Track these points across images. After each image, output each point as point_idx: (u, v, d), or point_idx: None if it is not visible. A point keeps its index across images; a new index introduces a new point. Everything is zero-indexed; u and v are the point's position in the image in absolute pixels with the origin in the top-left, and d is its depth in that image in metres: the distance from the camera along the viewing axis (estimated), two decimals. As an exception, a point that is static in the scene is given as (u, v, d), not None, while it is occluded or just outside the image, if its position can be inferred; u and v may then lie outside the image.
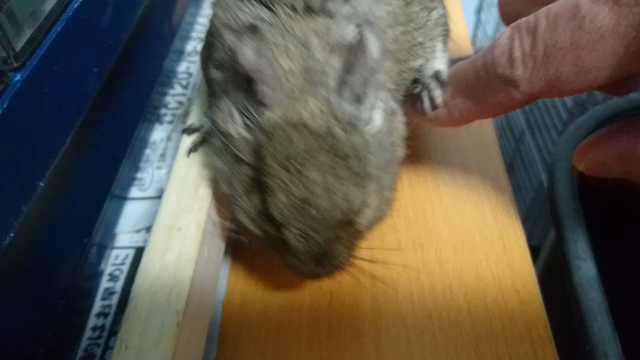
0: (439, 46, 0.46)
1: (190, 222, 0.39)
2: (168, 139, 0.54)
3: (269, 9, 0.35)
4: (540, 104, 0.98)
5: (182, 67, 0.62)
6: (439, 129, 0.55)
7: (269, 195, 0.32)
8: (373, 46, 0.33)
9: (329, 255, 0.34)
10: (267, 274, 0.46)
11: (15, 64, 0.29)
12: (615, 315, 0.43)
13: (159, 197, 0.48)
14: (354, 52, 0.33)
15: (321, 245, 0.33)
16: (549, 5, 0.32)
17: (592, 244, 0.48)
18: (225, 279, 0.45)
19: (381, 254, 0.44)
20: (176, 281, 0.35)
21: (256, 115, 0.33)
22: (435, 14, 0.45)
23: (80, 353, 0.39)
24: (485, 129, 0.57)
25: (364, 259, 0.39)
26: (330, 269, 0.35)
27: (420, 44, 0.43)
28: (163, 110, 0.57)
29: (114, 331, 0.40)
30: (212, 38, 0.40)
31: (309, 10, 0.35)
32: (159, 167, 0.52)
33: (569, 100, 0.91)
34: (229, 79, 0.36)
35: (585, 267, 0.46)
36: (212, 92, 0.42)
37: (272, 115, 0.32)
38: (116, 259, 0.45)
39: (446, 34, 0.47)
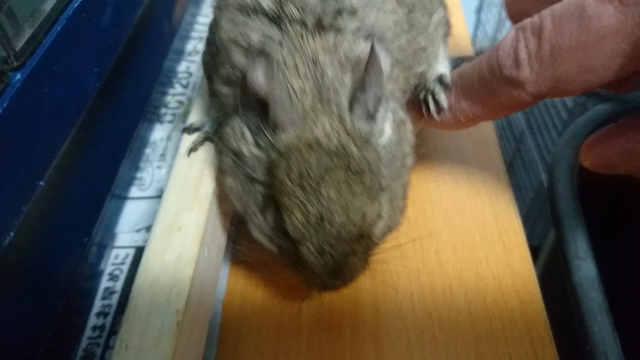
0: (441, 50, 0.46)
1: (191, 221, 0.39)
2: (168, 138, 0.54)
3: (278, 26, 0.35)
4: (540, 104, 0.98)
5: (182, 66, 0.62)
6: (440, 130, 0.55)
7: (286, 214, 0.32)
8: (383, 62, 0.33)
9: (344, 268, 0.34)
10: (267, 273, 0.46)
11: (15, 64, 0.29)
12: (615, 315, 0.43)
13: (159, 196, 0.48)
14: (365, 69, 0.33)
15: (337, 259, 0.33)
16: (554, 6, 0.32)
17: (592, 244, 0.48)
18: (225, 278, 0.45)
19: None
20: (176, 281, 0.35)
21: (270, 136, 0.33)
22: (435, 18, 0.45)
23: (80, 352, 0.39)
24: (485, 129, 0.57)
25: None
26: (345, 281, 0.35)
27: (423, 48, 0.43)
28: (163, 110, 0.57)
29: (114, 331, 0.40)
30: (215, 48, 0.40)
31: (319, 26, 0.35)
32: (159, 167, 0.52)
33: (569, 100, 0.91)
34: (238, 97, 0.36)
35: (585, 267, 0.46)
36: (216, 105, 0.41)
37: (287, 136, 0.32)
38: (116, 259, 0.45)
39: (447, 34, 0.47)
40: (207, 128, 0.44)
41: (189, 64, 0.62)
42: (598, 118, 0.58)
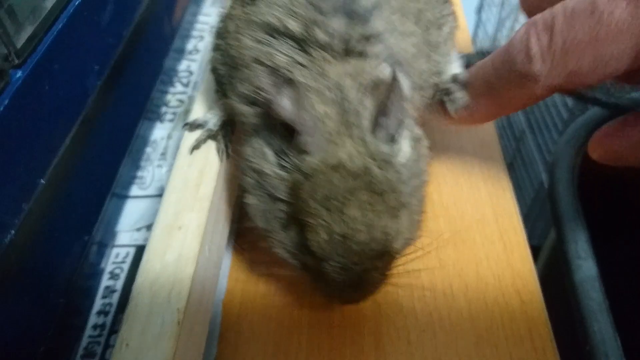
0: (453, 52, 0.46)
1: (191, 221, 0.39)
2: (169, 137, 0.54)
3: (304, 50, 0.35)
4: (540, 104, 0.98)
5: (183, 65, 0.62)
6: (440, 128, 0.55)
7: (309, 232, 0.33)
8: (404, 86, 0.34)
9: (366, 283, 0.35)
10: (267, 273, 0.45)
11: (16, 61, 0.29)
12: (615, 316, 0.43)
13: (159, 195, 0.48)
14: (386, 94, 0.33)
15: (359, 274, 0.34)
16: (566, 1, 0.32)
17: (592, 244, 0.48)
18: (225, 278, 0.45)
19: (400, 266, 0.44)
20: (177, 280, 0.35)
21: (295, 160, 0.34)
22: (446, 29, 0.45)
23: (80, 351, 0.39)
24: (486, 128, 0.57)
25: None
26: (366, 295, 0.36)
27: (437, 61, 0.43)
28: (164, 109, 0.57)
29: (114, 329, 0.40)
30: (230, 60, 0.40)
31: (347, 53, 0.35)
32: (159, 166, 0.52)
33: (569, 100, 0.91)
34: (261, 118, 0.36)
35: (585, 267, 0.46)
36: (222, 105, 0.42)
37: (312, 160, 0.33)
38: (117, 257, 0.45)
39: (454, 30, 0.47)
40: (210, 125, 0.44)
41: (190, 63, 0.62)
42: (599, 117, 0.57)
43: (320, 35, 0.35)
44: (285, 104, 0.32)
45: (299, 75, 0.34)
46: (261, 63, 0.36)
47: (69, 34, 0.33)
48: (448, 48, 0.45)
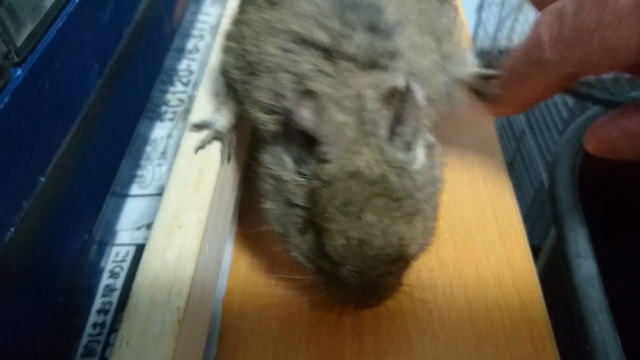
0: (467, 55, 0.47)
1: (191, 219, 0.39)
2: (169, 136, 0.54)
3: (331, 60, 0.36)
4: (541, 103, 0.98)
5: (183, 64, 0.62)
6: (440, 127, 0.55)
7: (327, 237, 0.33)
8: (419, 95, 0.35)
9: (381, 288, 0.35)
10: (267, 272, 0.45)
11: (16, 59, 0.29)
12: (615, 316, 0.43)
13: (159, 194, 0.48)
14: (401, 103, 0.34)
15: (374, 279, 0.34)
16: None
17: (592, 244, 0.48)
18: (225, 277, 0.45)
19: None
20: (177, 279, 0.35)
21: (314, 167, 0.34)
22: (456, 34, 0.45)
23: (80, 350, 0.39)
24: (486, 127, 0.57)
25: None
26: (381, 299, 0.37)
27: (453, 71, 0.44)
28: (164, 108, 0.57)
29: (114, 328, 0.40)
30: (245, 64, 0.40)
31: (371, 65, 0.36)
32: (159, 165, 0.52)
33: (570, 99, 0.91)
34: (280, 126, 0.37)
35: (586, 266, 0.46)
36: (232, 108, 0.42)
37: (331, 168, 0.34)
38: (117, 256, 0.45)
39: (461, 31, 0.48)
40: (217, 127, 0.44)
41: (190, 62, 0.62)
42: (599, 117, 0.57)
43: (347, 48, 0.36)
44: (305, 114, 0.33)
45: (321, 84, 0.35)
46: (285, 70, 0.37)
47: (69, 33, 0.33)
48: (462, 53, 0.46)
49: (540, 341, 0.41)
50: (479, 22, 1.28)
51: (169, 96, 0.58)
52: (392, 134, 0.35)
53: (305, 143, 0.35)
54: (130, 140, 0.48)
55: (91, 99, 0.37)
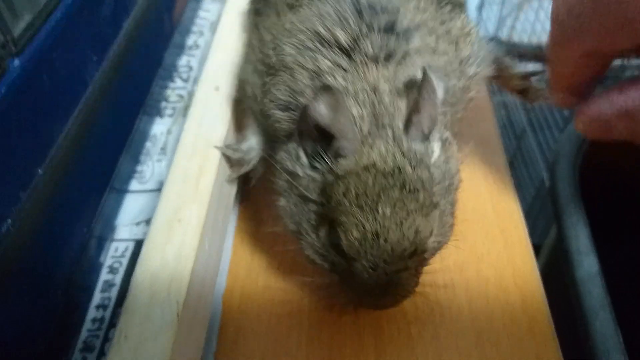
0: (506, 60, 0.47)
1: (191, 214, 0.39)
2: (168, 132, 0.54)
3: (348, 56, 0.37)
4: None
5: (183, 60, 0.62)
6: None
7: (342, 231, 0.33)
8: (437, 86, 0.35)
9: (396, 285, 0.35)
10: (267, 268, 0.45)
11: (14, 50, 0.29)
12: (616, 315, 0.42)
13: (158, 190, 0.47)
14: (418, 91, 0.34)
15: (389, 275, 0.34)
16: None
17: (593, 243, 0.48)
18: (225, 273, 0.45)
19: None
20: (176, 273, 0.35)
21: (329, 161, 0.35)
22: (473, 37, 0.46)
23: (79, 345, 0.39)
24: (487, 124, 0.57)
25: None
26: (396, 299, 0.36)
27: (470, 75, 0.45)
28: (163, 104, 0.56)
29: (113, 323, 0.40)
30: (266, 67, 0.41)
31: (387, 59, 0.37)
32: (159, 160, 0.51)
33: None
34: (297, 122, 0.37)
35: (587, 263, 0.46)
36: (266, 123, 0.42)
37: (346, 162, 0.34)
38: (116, 252, 0.45)
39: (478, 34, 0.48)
40: (250, 163, 0.45)
41: (190, 58, 0.62)
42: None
43: (364, 46, 0.37)
44: (322, 110, 0.33)
45: (338, 79, 0.36)
46: (302, 67, 0.38)
47: (67, 24, 0.33)
48: (479, 54, 0.46)
49: (542, 337, 0.41)
50: (479, 21, 1.28)
51: (169, 92, 0.58)
52: (409, 123, 0.35)
53: (319, 137, 0.35)
54: (129, 135, 0.48)
55: (90, 92, 0.37)
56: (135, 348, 0.31)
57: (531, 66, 0.47)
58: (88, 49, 0.36)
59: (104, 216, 0.44)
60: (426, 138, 0.36)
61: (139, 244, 0.45)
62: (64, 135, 0.34)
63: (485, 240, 0.47)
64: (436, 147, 0.37)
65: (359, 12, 0.38)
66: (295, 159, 0.37)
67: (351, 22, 0.38)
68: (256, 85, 0.43)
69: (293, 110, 0.38)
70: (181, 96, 0.57)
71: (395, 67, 0.37)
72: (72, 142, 0.36)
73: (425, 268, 0.38)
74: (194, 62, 0.61)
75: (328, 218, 0.35)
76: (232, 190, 0.47)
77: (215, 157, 0.43)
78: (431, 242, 0.36)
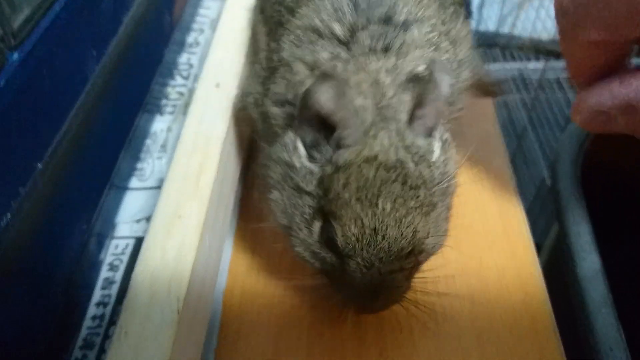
0: (483, 69, 0.48)
1: (192, 210, 0.38)
2: (169, 129, 0.54)
3: (347, 47, 0.37)
4: (542, 99, 0.98)
5: (183, 58, 0.61)
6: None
7: (339, 226, 0.33)
8: (444, 80, 0.34)
9: (389, 287, 0.34)
10: (268, 267, 0.45)
11: (13, 42, 0.28)
12: (618, 316, 0.42)
13: (159, 187, 0.47)
14: (424, 85, 0.34)
15: (383, 275, 0.33)
16: None
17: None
18: (226, 270, 0.45)
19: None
20: (177, 269, 0.35)
21: (329, 152, 0.34)
22: (469, 41, 0.45)
23: (79, 342, 0.38)
24: (488, 121, 0.57)
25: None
26: (387, 302, 0.35)
27: (466, 79, 0.44)
28: (164, 101, 0.56)
29: (113, 321, 0.40)
30: (266, 70, 0.41)
31: (386, 50, 0.37)
32: (159, 158, 0.51)
33: (572, 96, 0.91)
34: (296, 111, 0.36)
35: (589, 261, 0.46)
36: (265, 127, 0.41)
37: (348, 153, 0.33)
38: (116, 249, 0.44)
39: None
40: None
41: (190, 56, 0.62)
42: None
43: (365, 39, 0.37)
44: (324, 96, 0.32)
45: (340, 68, 0.36)
46: (301, 59, 0.38)
47: (66, 17, 0.33)
48: (473, 58, 0.46)
49: (544, 333, 0.40)
50: (480, 20, 1.27)
51: (169, 89, 0.57)
52: (413, 117, 0.34)
53: (319, 128, 0.34)
54: (130, 132, 0.47)
55: (90, 88, 0.37)
56: (136, 345, 0.31)
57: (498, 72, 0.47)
58: (88, 44, 0.36)
59: (104, 213, 0.44)
60: (429, 134, 0.35)
61: (139, 242, 0.45)
62: (63, 132, 0.34)
63: (486, 236, 0.47)
64: (437, 146, 0.36)
65: (356, 5, 0.38)
66: (293, 150, 0.36)
67: (348, 15, 0.38)
68: (259, 93, 0.42)
69: (290, 103, 0.37)
70: (181, 94, 0.57)
71: (396, 60, 0.37)
72: (71, 139, 0.36)
73: (427, 266, 0.38)
74: (195, 60, 0.61)
75: (323, 212, 0.34)
76: (232, 188, 0.46)
77: (216, 154, 0.43)
78: (428, 245, 0.35)
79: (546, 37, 0.93)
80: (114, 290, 0.42)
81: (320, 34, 0.38)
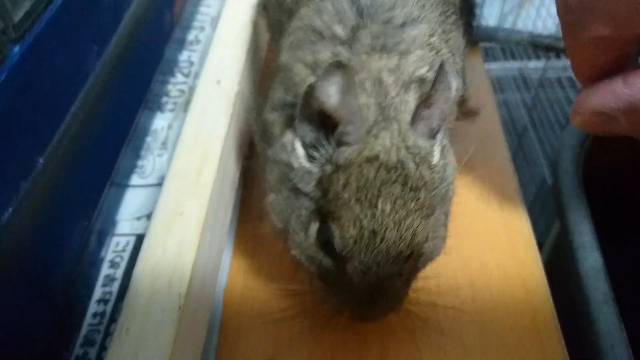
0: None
1: (192, 207, 0.38)
2: (169, 127, 0.54)
3: (348, 46, 0.37)
4: (543, 99, 0.98)
5: (184, 55, 0.61)
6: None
7: (337, 227, 0.32)
8: (454, 83, 0.34)
9: (386, 292, 0.34)
10: (268, 265, 0.45)
11: (14, 35, 0.28)
12: (620, 314, 0.42)
13: (159, 184, 0.47)
14: (432, 85, 0.33)
15: (381, 279, 0.33)
16: None
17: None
18: (226, 268, 0.45)
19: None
20: (178, 265, 0.35)
21: (329, 151, 0.34)
22: (461, 58, 0.45)
23: (80, 339, 0.38)
24: (490, 119, 0.57)
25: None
26: (384, 310, 0.35)
27: (464, 88, 0.44)
28: (164, 99, 0.56)
29: (114, 318, 0.40)
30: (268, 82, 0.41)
31: (386, 48, 0.37)
32: (160, 155, 0.51)
33: (573, 95, 0.91)
34: (297, 109, 0.35)
35: (591, 258, 0.46)
36: (264, 136, 0.41)
37: (349, 151, 0.33)
38: (117, 246, 0.44)
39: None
40: None
41: (191, 53, 0.62)
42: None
43: (365, 37, 0.37)
44: (331, 90, 0.32)
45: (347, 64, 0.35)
46: (301, 61, 0.37)
47: (67, 11, 0.33)
48: (465, 75, 0.46)
49: (546, 330, 0.40)
50: (480, 19, 1.27)
51: (170, 87, 0.57)
52: (417, 117, 0.34)
53: (320, 127, 0.34)
54: (130, 129, 0.47)
55: (90, 83, 0.37)
56: (137, 342, 0.31)
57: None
58: (89, 38, 0.36)
59: (104, 211, 0.44)
60: (432, 136, 0.35)
61: (140, 239, 0.44)
62: (64, 129, 0.33)
63: (488, 233, 0.47)
64: (437, 149, 0.36)
65: (357, 5, 0.38)
66: (291, 150, 0.35)
67: (349, 15, 0.37)
68: (260, 104, 0.42)
69: (289, 105, 0.37)
70: (182, 91, 0.57)
71: (399, 59, 0.36)
72: (72, 136, 0.36)
73: (428, 265, 0.37)
74: (195, 57, 0.61)
75: (321, 214, 0.33)
76: (232, 186, 0.46)
77: (217, 151, 0.43)
78: (427, 249, 0.35)
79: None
80: (115, 287, 0.42)
81: (321, 35, 0.38)
